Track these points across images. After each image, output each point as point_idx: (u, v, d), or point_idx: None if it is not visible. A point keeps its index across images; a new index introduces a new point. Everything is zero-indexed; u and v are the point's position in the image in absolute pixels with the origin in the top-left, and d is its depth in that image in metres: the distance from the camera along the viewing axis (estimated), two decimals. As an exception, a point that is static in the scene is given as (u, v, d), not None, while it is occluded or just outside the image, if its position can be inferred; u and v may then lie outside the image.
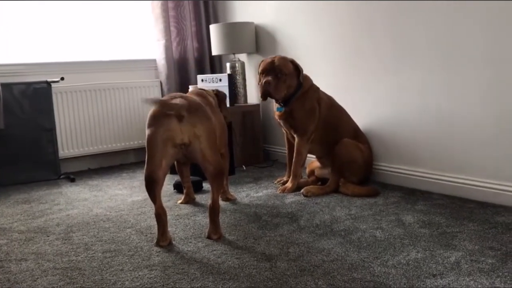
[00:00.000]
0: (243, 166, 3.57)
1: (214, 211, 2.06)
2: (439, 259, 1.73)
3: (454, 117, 2.52)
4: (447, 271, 1.62)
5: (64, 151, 3.67)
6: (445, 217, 2.20)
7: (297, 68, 2.77)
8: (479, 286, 1.51)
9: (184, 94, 2.13)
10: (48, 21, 3.73)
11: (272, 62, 2.74)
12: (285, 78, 2.72)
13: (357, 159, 2.73)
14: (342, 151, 2.71)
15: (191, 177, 2.73)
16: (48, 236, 2.21)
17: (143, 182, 2.32)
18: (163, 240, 2.02)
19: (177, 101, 1.98)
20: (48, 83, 3.49)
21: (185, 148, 1.97)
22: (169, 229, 2.12)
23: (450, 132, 2.55)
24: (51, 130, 3.51)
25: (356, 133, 2.87)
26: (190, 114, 1.96)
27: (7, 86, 3.34)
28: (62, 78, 3.51)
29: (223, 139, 2.51)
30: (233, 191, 2.86)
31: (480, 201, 2.41)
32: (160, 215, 2.01)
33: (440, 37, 2.51)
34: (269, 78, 2.71)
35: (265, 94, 2.73)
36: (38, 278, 1.74)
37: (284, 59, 2.75)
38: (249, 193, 2.80)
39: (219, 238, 2.06)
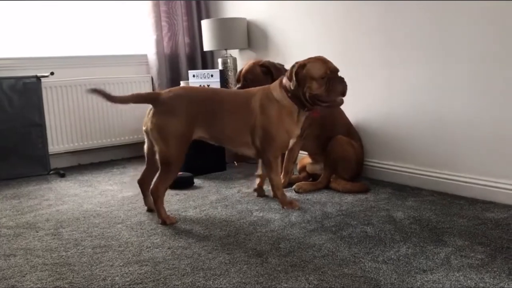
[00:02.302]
0: (235, 162, 3.57)
1: (153, 195, 2.23)
2: (429, 254, 1.74)
3: (444, 113, 2.53)
4: (437, 267, 1.63)
5: (54, 146, 3.64)
6: (435, 213, 2.21)
7: (269, 70, 2.81)
8: (468, 281, 1.52)
9: (175, 88, 2.36)
10: (38, 15, 3.69)
11: (241, 71, 2.88)
12: (251, 84, 2.74)
13: (350, 156, 2.73)
14: (335, 148, 2.71)
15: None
16: (37, 232, 2.19)
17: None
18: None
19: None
20: (38, 78, 3.46)
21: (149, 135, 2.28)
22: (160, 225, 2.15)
23: (440, 128, 2.56)
24: (41, 125, 3.48)
25: (349, 130, 2.87)
26: (154, 108, 2.23)
27: (-4, 81, 3.31)
28: (52, 73, 3.48)
29: (266, 144, 2.35)
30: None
31: (470, 197, 2.43)
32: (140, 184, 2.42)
33: (429, 36, 2.52)
34: (237, 86, 2.87)
35: None
36: (27, 274, 1.72)
37: (251, 66, 2.86)
38: (241, 189, 2.80)
39: (162, 224, 2.20)
